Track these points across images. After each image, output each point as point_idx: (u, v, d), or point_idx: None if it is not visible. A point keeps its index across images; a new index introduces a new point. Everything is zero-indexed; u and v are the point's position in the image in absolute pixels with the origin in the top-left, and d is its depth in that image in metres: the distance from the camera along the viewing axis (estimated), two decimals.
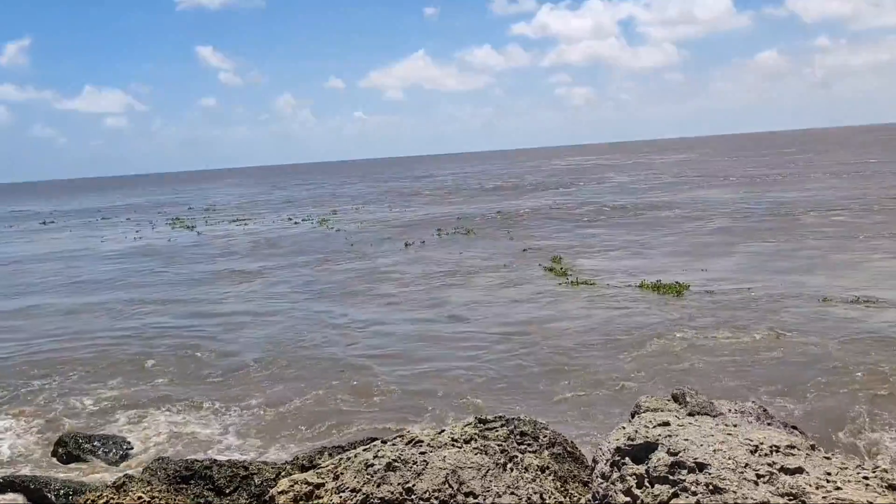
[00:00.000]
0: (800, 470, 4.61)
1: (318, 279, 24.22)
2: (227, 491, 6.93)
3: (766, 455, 4.77)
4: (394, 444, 5.85)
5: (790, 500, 4.42)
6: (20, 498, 8.13)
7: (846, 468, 4.66)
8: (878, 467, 4.70)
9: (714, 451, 4.85)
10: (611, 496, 5.11)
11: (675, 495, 4.72)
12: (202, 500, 6.79)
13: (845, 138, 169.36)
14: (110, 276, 27.96)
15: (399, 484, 5.39)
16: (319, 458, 7.03)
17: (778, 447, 4.84)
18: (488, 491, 5.33)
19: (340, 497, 5.44)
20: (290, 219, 48.34)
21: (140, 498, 6.22)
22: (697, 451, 4.88)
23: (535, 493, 5.40)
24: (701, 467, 4.75)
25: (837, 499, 4.36)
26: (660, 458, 4.97)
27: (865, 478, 4.54)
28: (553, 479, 5.58)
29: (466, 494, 5.28)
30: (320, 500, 5.51)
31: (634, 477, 5.05)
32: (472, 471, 5.44)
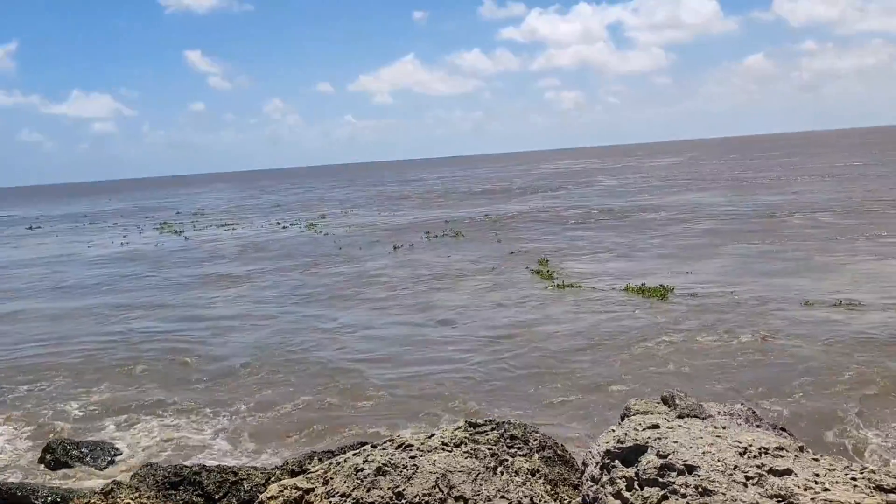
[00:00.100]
0: (788, 471, 4.64)
1: (307, 283, 24.16)
2: (217, 497, 6.89)
3: (754, 457, 4.79)
4: (384, 449, 5.84)
5: (779, 501, 4.44)
6: None
7: (834, 469, 4.68)
8: (865, 468, 4.74)
9: (703, 453, 4.87)
10: (601, 499, 5.11)
11: (665, 498, 4.74)
12: None
13: (832, 141, 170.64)
14: (97, 281, 27.80)
15: (389, 489, 5.38)
16: (309, 463, 7.01)
17: (767, 449, 4.87)
18: (479, 495, 5.32)
19: (330, 502, 5.42)
20: (278, 223, 48.22)
21: None
22: (687, 453, 4.90)
23: (526, 496, 5.40)
24: (690, 469, 4.77)
25: (826, 500, 4.39)
26: (649, 461, 4.99)
27: (853, 479, 4.57)
28: (543, 483, 5.58)
29: (457, 499, 5.27)
30: None
31: (624, 480, 5.06)
32: (462, 475, 5.43)
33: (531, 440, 5.99)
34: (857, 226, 28.27)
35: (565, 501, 5.59)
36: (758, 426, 6.23)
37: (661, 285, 18.63)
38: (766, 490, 4.51)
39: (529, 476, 5.58)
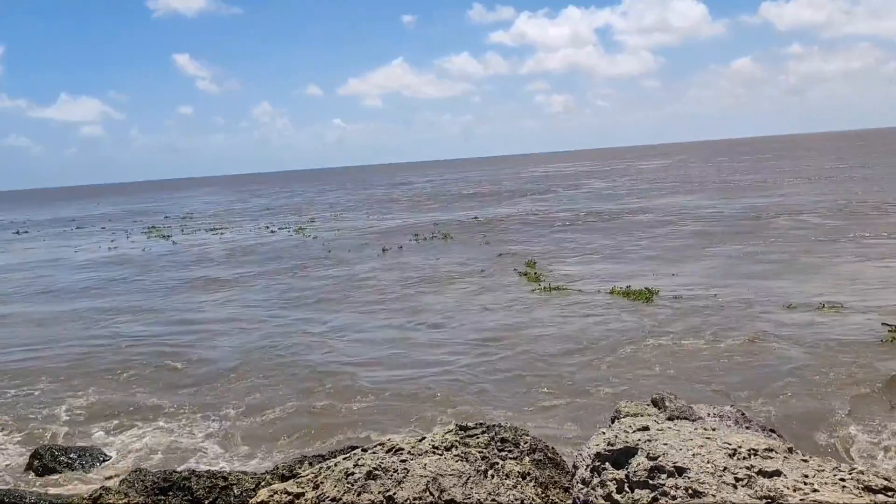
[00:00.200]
0: (777, 473, 4.66)
1: (295, 286, 24.11)
2: (206, 502, 6.86)
3: (744, 458, 4.82)
4: (374, 453, 5.83)
5: (768, 502, 4.46)
6: None
7: (823, 470, 4.71)
8: (854, 469, 4.77)
9: (693, 455, 4.89)
10: (591, 501, 5.12)
11: (655, 500, 4.75)
12: None
13: (819, 144, 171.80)
14: (84, 286, 27.65)
15: (380, 492, 5.37)
16: (299, 468, 6.99)
17: (756, 450, 4.89)
18: (469, 498, 5.32)
19: None
20: (267, 227, 48.09)
21: None
22: (677, 455, 4.92)
23: (517, 499, 5.40)
24: (680, 471, 4.78)
25: (815, 501, 4.41)
26: (639, 463, 5.00)
27: (842, 479, 4.59)
28: (534, 486, 5.59)
29: (447, 502, 5.27)
30: None
31: (614, 482, 5.07)
32: (452, 478, 5.43)
33: (522, 443, 5.99)
34: (841, 227, 28.50)
35: None
36: (747, 428, 6.26)
37: (646, 288, 18.73)
38: (756, 491, 4.53)
39: (520, 479, 5.58)
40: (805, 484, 4.55)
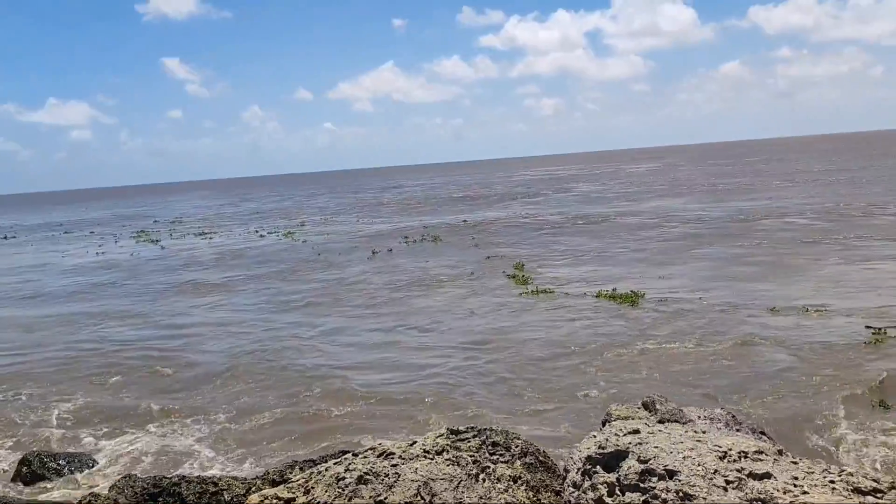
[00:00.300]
0: (767, 475, 4.68)
1: (285, 290, 24.06)
2: None
3: (734, 461, 4.83)
4: (365, 457, 5.81)
5: None
6: None
7: (813, 472, 4.73)
8: (843, 470, 4.79)
9: (684, 458, 4.90)
10: None
11: (646, 503, 4.76)
12: None
13: (807, 147, 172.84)
14: (72, 290, 27.51)
15: (371, 497, 5.35)
16: (290, 473, 6.97)
17: (746, 453, 4.90)
18: (461, 502, 5.32)
19: None
20: (256, 231, 47.97)
21: None
22: (667, 458, 4.93)
23: (508, 503, 5.40)
24: (671, 474, 4.79)
25: (804, 503, 4.43)
26: (630, 466, 5.01)
27: (832, 481, 4.61)
28: (525, 489, 5.58)
29: None
30: None
31: (605, 485, 5.07)
32: (444, 482, 5.42)
33: (513, 447, 5.99)
34: (826, 230, 28.73)
35: None
36: (737, 430, 6.28)
37: (631, 291, 18.82)
38: (746, 494, 4.54)
39: (511, 483, 5.58)
40: (795, 486, 4.57)
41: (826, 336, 14.00)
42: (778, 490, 4.53)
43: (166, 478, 7.25)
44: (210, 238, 45.64)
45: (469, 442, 5.96)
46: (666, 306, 17.42)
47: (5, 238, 60.15)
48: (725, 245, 26.86)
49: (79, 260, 38.30)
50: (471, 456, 5.74)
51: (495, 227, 39.58)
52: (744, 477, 4.67)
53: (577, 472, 5.39)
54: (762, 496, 4.50)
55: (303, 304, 21.53)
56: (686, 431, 5.43)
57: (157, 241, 46.13)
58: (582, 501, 5.15)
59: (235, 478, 7.62)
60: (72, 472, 9.99)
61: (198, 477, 7.43)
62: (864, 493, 4.53)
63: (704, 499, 4.55)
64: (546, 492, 5.70)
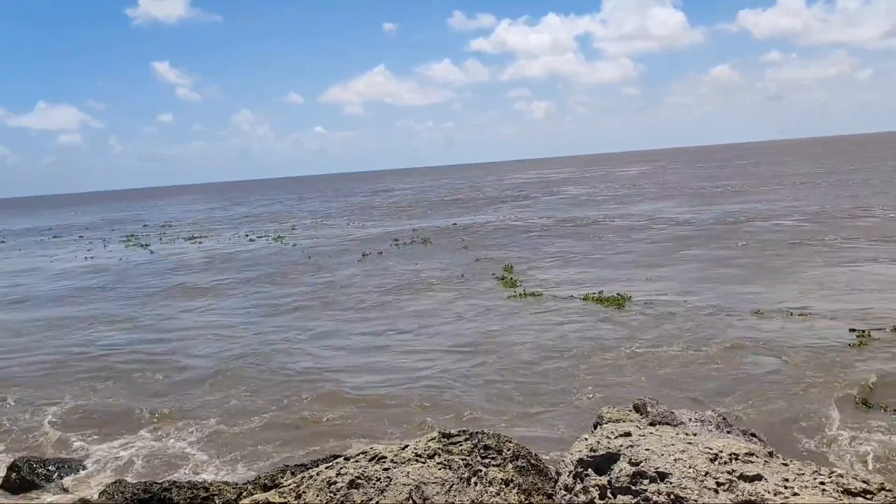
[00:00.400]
0: (758, 477, 4.69)
1: (274, 294, 23.99)
2: None
3: (725, 463, 4.84)
4: (357, 461, 5.80)
5: None
6: None
7: (803, 474, 4.75)
8: (833, 472, 4.81)
9: (675, 460, 4.91)
10: None
11: None
12: None
13: (797, 150, 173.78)
14: (60, 295, 27.37)
15: (362, 501, 5.34)
16: (282, 477, 6.94)
17: (737, 455, 4.92)
18: None
19: None
20: (247, 235, 47.83)
21: None
22: (659, 460, 4.94)
23: None
24: (662, 477, 4.80)
25: None
26: (622, 469, 5.02)
27: (822, 483, 4.63)
28: (517, 492, 5.58)
29: None
30: None
31: (597, 488, 5.08)
32: (435, 486, 5.42)
33: (505, 450, 5.99)
34: (812, 232, 28.92)
35: None
36: (728, 432, 6.30)
37: (618, 294, 18.88)
38: (737, 496, 4.56)
39: (503, 486, 5.58)
40: (785, 488, 4.58)
41: (811, 339, 14.07)
42: (769, 492, 4.55)
43: (157, 483, 7.22)
44: (200, 242, 45.47)
45: (461, 445, 5.96)
46: (652, 309, 17.48)
47: None
48: (712, 247, 26.99)
49: (67, 265, 38.08)
50: (462, 459, 5.74)
51: (485, 230, 39.65)
52: (735, 479, 4.68)
53: (568, 475, 5.39)
54: (753, 498, 4.51)
55: (293, 307, 21.48)
56: (677, 434, 5.45)
57: (146, 245, 45.92)
58: None
59: (227, 482, 7.59)
60: (62, 478, 9.92)
61: (188, 482, 7.40)
62: (854, 495, 4.56)
63: (696, 501, 4.56)
64: (538, 495, 5.70)
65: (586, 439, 5.60)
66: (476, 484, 5.55)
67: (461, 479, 5.53)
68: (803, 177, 66.51)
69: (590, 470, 5.25)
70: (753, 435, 6.64)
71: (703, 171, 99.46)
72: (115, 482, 7.35)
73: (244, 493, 6.80)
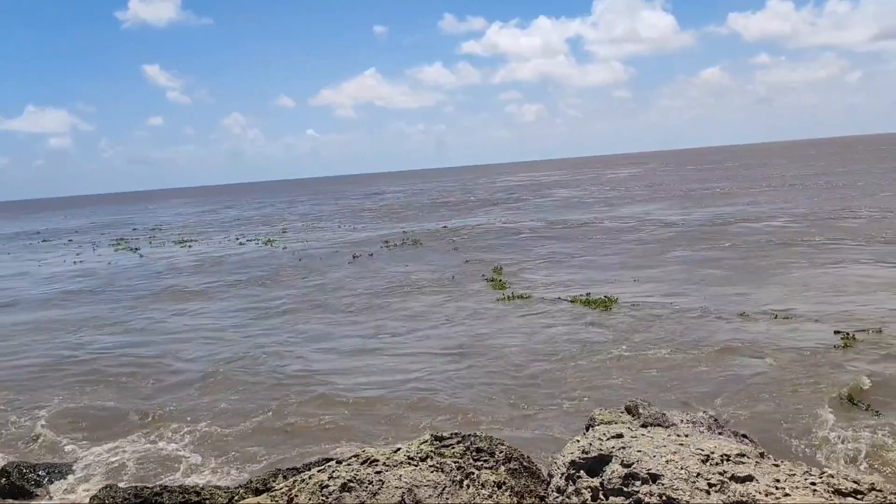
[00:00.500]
0: (750, 478, 4.71)
1: (265, 297, 23.93)
2: None
3: (717, 464, 4.86)
4: (349, 465, 5.79)
5: None
6: None
7: (794, 474, 4.77)
8: (824, 472, 4.83)
9: (667, 461, 4.92)
10: None
11: None
12: None
13: (787, 152, 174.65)
14: (48, 298, 27.23)
15: None
16: (273, 481, 6.93)
17: (728, 456, 4.94)
18: None
19: None
20: (237, 238, 47.70)
21: None
22: (650, 462, 4.95)
23: None
24: (654, 478, 4.81)
25: None
26: (614, 471, 5.03)
27: (813, 483, 4.65)
28: (510, 495, 5.59)
29: None
30: None
31: (589, 490, 5.09)
32: (428, 489, 5.41)
33: (497, 452, 5.99)
34: (799, 234, 29.06)
35: None
36: (720, 433, 6.32)
37: (605, 296, 18.93)
38: (729, 497, 4.57)
39: (496, 488, 5.58)
40: (777, 488, 4.60)
41: (797, 341, 14.14)
42: (760, 492, 4.57)
43: (147, 487, 7.19)
44: (190, 246, 45.31)
45: (453, 448, 5.96)
46: (638, 311, 17.54)
47: None
48: (700, 249, 27.13)
49: (56, 268, 37.89)
50: (455, 462, 5.74)
51: (475, 233, 39.72)
52: (726, 480, 4.70)
53: (560, 477, 5.40)
54: (744, 499, 4.53)
55: (283, 310, 21.43)
56: (669, 435, 5.46)
57: (136, 249, 45.72)
58: None
59: (218, 487, 7.56)
60: (52, 483, 9.86)
61: (179, 486, 7.37)
62: (845, 495, 4.58)
63: (687, 502, 4.57)
64: (530, 497, 5.70)
65: (578, 441, 5.61)
66: (468, 486, 5.55)
67: (453, 481, 5.53)
68: (792, 179, 66.86)
69: (582, 472, 5.26)
70: (744, 436, 6.67)
71: (692, 173, 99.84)
72: (106, 487, 7.32)
73: (236, 498, 6.78)
